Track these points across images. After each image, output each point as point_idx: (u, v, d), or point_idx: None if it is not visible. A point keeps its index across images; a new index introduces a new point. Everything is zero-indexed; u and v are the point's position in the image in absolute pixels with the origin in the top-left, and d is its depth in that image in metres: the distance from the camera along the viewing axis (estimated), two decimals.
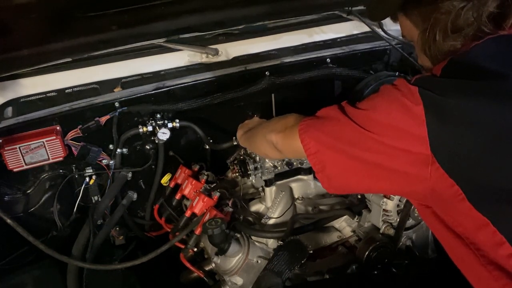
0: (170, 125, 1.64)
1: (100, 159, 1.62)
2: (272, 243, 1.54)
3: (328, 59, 1.84)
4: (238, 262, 1.46)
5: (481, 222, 0.88)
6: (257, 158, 1.58)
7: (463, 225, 0.93)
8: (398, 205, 1.50)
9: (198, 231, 1.49)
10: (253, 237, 1.54)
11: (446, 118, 0.87)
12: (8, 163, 1.46)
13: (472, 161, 0.87)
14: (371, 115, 0.95)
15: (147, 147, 1.71)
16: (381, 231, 1.54)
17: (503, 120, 0.86)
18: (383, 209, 1.49)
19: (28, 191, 1.58)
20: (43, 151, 1.49)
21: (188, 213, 1.58)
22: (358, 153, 0.95)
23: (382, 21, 1.89)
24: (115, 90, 1.66)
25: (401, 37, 1.95)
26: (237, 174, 1.58)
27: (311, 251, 1.44)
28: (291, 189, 1.63)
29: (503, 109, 0.87)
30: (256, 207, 1.66)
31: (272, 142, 1.21)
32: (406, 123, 0.89)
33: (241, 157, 1.62)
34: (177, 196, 1.70)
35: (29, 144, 1.46)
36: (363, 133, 0.94)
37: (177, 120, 1.65)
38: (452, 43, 0.99)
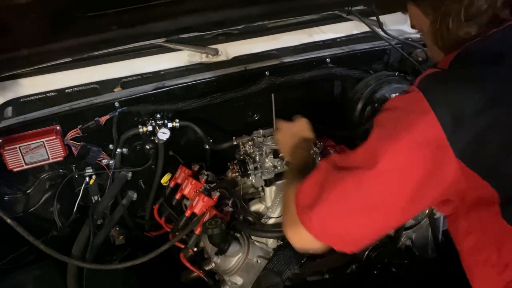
0: (170, 125, 1.64)
1: (100, 159, 1.62)
2: (272, 243, 1.54)
3: (328, 59, 1.85)
4: (238, 262, 1.46)
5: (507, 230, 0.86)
6: (257, 158, 1.58)
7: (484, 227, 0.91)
8: None
9: (198, 231, 1.49)
10: (253, 237, 1.54)
11: (462, 118, 0.84)
12: (8, 163, 1.46)
13: (497, 159, 0.84)
14: (384, 146, 0.87)
15: (147, 147, 1.71)
16: None
17: None
18: None
19: (28, 191, 1.58)
20: (43, 151, 1.49)
21: (188, 213, 1.58)
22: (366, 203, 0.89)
23: (382, 21, 1.89)
24: (115, 90, 1.67)
25: (400, 37, 1.97)
26: (237, 174, 1.58)
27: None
28: None
29: None
30: (256, 206, 1.65)
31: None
32: (424, 134, 0.85)
33: (241, 157, 1.62)
34: (177, 196, 1.70)
35: (29, 144, 1.47)
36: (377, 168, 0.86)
37: (177, 120, 1.65)
38: (466, 30, 0.96)
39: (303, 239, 0.95)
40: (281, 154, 1.51)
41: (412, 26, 1.13)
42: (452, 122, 0.83)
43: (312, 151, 1.39)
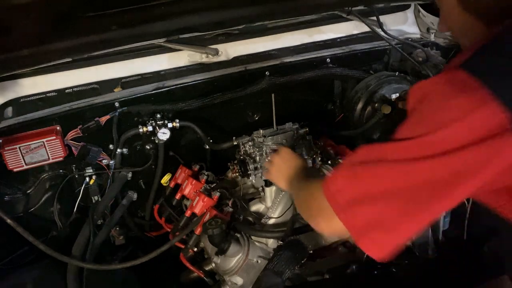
0: (170, 125, 1.64)
1: (100, 159, 1.62)
2: (272, 243, 1.54)
3: (328, 59, 1.85)
4: (238, 262, 1.46)
5: None
6: (257, 158, 1.58)
7: None
8: None
9: (198, 231, 1.49)
10: (253, 237, 1.54)
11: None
12: (8, 163, 1.46)
13: None
14: (431, 136, 0.72)
15: (147, 147, 1.71)
16: None
17: None
18: None
19: (28, 191, 1.58)
20: (43, 151, 1.49)
21: (188, 213, 1.58)
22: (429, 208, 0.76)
23: (382, 21, 1.89)
24: (115, 90, 1.67)
25: (401, 37, 1.97)
26: (237, 174, 1.58)
27: (311, 251, 1.44)
28: None
29: None
30: (256, 207, 1.66)
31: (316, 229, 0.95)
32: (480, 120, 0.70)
33: (241, 157, 1.63)
34: (177, 196, 1.71)
35: (29, 144, 1.47)
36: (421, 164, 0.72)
37: (177, 120, 1.65)
38: None
39: (340, 231, 0.83)
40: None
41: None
42: None
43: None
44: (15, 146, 1.45)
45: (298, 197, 1.13)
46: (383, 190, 0.76)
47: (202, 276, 1.54)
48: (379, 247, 0.80)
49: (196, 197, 1.58)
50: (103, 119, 1.57)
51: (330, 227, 0.87)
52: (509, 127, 0.69)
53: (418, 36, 2.03)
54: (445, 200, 0.75)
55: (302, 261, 1.39)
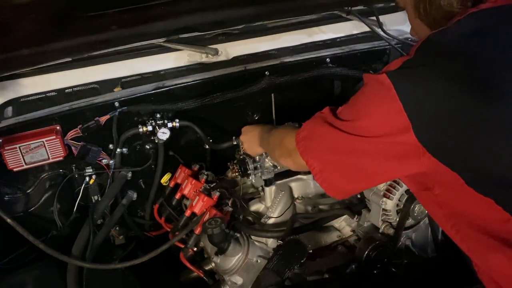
0: (170, 124, 1.64)
1: (100, 158, 1.62)
2: (271, 243, 1.54)
3: (327, 59, 1.84)
4: (238, 262, 1.47)
5: (484, 201, 0.88)
6: (257, 157, 1.58)
7: (465, 205, 0.94)
8: (397, 205, 1.50)
9: (198, 230, 1.49)
10: (252, 237, 1.54)
11: (424, 102, 0.88)
12: (8, 163, 1.46)
13: (460, 146, 0.88)
14: (356, 122, 0.98)
15: (147, 146, 1.71)
16: (380, 231, 1.54)
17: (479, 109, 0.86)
18: (383, 209, 1.49)
19: (28, 191, 1.58)
20: (43, 150, 1.49)
21: (188, 213, 1.58)
22: (356, 160, 1.00)
23: (382, 21, 1.89)
24: (115, 90, 1.66)
25: (400, 37, 1.97)
26: (236, 173, 1.59)
27: (311, 251, 1.45)
28: (290, 189, 1.64)
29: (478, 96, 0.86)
30: (255, 206, 1.66)
31: (286, 166, 1.32)
32: (388, 119, 0.92)
33: (241, 157, 1.63)
34: (177, 196, 1.71)
35: (29, 144, 1.47)
36: (356, 139, 0.97)
37: (177, 120, 1.65)
38: (449, 1, 0.98)
39: (298, 165, 1.20)
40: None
41: (397, 3, 1.14)
42: (418, 114, 0.88)
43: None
44: (15, 146, 1.45)
45: (269, 143, 1.40)
46: (328, 141, 1.06)
47: (202, 275, 1.54)
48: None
49: (195, 196, 1.58)
50: (103, 119, 1.57)
51: (293, 162, 1.21)
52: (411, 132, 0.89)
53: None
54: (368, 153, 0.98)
55: (302, 261, 1.39)
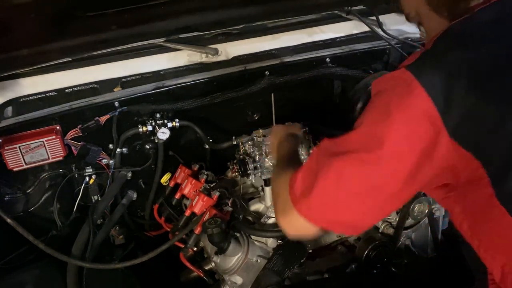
0: (169, 124, 1.64)
1: (100, 158, 1.62)
2: (271, 243, 1.54)
3: (327, 59, 1.85)
4: (238, 261, 1.47)
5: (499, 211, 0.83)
6: (257, 157, 1.58)
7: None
8: None
9: (197, 230, 1.49)
10: (252, 237, 1.54)
11: (453, 97, 0.81)
12: (8, 162, 1.46)
13: (494, 138, 0.82)
14: (372, 131, 0.86)
15: (147, 146, 1.71)
16: (380, 231, 1.54)
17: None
18: None
19: (28, 191, 1.58)
20: (43, 150, 1.49)
21: (187, 213, 1.58)
22: (378, 194, 0.87)
23: (381, 21, 1.90)
24: (115, 89, 1.67)
25: (400, 37, 1.97)
26: (236, 173, 1.59)
27: (310, 250, 1.45)
28: None
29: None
30: (255, 206, 1.66)
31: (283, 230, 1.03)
32: (416, 118, 0.83)
33: (241, 157, 1.63)
34: (177, 196, 1.70)
35: (29, 144, 1.47)
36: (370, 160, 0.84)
37: (177, 120, 1.65)
38: None
39: (298, 227, 0.93)
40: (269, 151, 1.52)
41: (407, 16, 1.08)
42: (444, 101, 0.81)
43: (299, 144, 1.39)
44: (15, 146, 1.45)
45: (272, 191, 1.22)
46: (334, 180, 0.87)
47: (202, 275, 1.54)
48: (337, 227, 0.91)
49: (195, 196, 1.58)
50: (103, 119, 1.57)
51: (290, 222, 0.95)
52: (440, 121, 0.80)
53: (418, 36, 2.02)
54: (394, 179, 0.85)
55: (302, 260, 1.39)
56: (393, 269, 1.51)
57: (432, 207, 1.60)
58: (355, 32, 1.99)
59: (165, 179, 1.76)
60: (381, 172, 0.85)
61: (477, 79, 0.82)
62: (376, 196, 0.87)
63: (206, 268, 1.56)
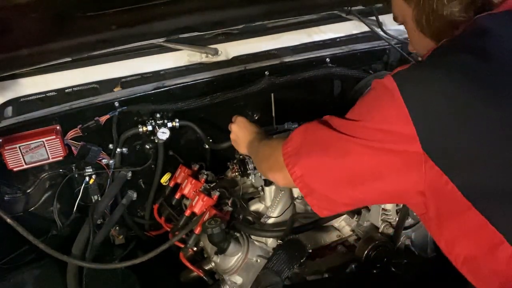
0: (169, 124, 1.64)
1: (100, 158, 1.62)
2: (271, 242, 1.54)
3: (327, 59, 1.85)
4: (238, 261, 1.47)
5: (479, 221, 0.85)
6: None
7: (459, 226, 0.90)
8: (397, 205, 1.50)
9: (197, 230, 1.49)
10: (252, 236, 1.54)
11: (431, 111, 0.84)
12: (8, 162, 1.46)
13: (466, 156, 0.84)
14: (359, 123, 0.92)
15: (147, 146, 1.72)
16: (380, 231, 1.54)
17: (497, 112, 0.83)
18: (382, 209, 1.49)
19: (28, 191, 1.59)
20: (43, 150, 1.49)
21: (187, 213, 1.58)
22: (347, 167, 0.92)
23: (381, 21, 1.90)
24: (115, 89, 1.67)
25: (400, 37, 1.98)
26: (236, 173, 1.59)
27: (310, 250, 1.45)
28: (290, 189, 1.64)
29: (495, 100, 0.83)
30: (255, 206, 1.66)
31: (274, 181, 1.20)
32: (393, 125, 0.86)
33: (241, 157, 1.63)
34: (177, 196, 1.70)
35: (29, 144, 1.47)
36: (352, 140, 0.90)
37: (177, 120, 1.65)
38: (451, 9, 0.95)
39: (287, 180, 1.02)
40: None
41: (395, 18, 1.12)
42: (422, 116, 0.84)
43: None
44: (15, 146, 1.45)
45: (258, 154, 1.30)
46: (321, 145, 0.97)
47: (202, 275, 1.54)
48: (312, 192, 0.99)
49: (195, 196, 1.58)
50: (103, 119, 1.57)
51: (283, 177, 1.06)
52: (415, 135, 0.84)
53: None
54: (368, 171, 0.91)
55: (302, 260, 1.39)
56: (393, 269, 1.51)
57: None
58: (355, 32, 2.00)
59: (165, 179, 1.76)
60: (360, 160, 0.91)
61: (459, 95, 0.84)
62: (354, 180, 0.93)
63: (206, 268, 1.56)
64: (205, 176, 1.69)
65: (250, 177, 1.60)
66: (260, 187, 1.66)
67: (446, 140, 0.84)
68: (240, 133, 1.46)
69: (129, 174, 1.69)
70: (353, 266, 1.50)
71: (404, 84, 0.87)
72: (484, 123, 0.83)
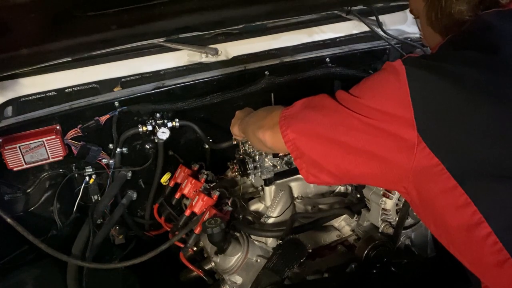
0: (169, 124, 1.64)
1: (100, 158, 1.62)
2: (271, 242, 1.54)
3: (327, 59, 1.85)
4: (238, 261, 1.47)
5: (462, 201, 0.86)
6: (257, 157, 1.58)
7: (442, 205, 0.91)
8: (397, 204, 1.50)
9: (197, 230, 1.49)
10: (252, 236, 1.54)
11: (432, 96, 0.86)
12: (8, 162, 1.47)
13: (461, 144, 0.85)
14: (360, 100, 0.95)
15: (147, 146, 1.72)
16: (380, 230, 1.54)
17: (497, 97, 0.85)
18: (382, 208, 1.50)
19: (28, 190, 1.59)
20: (43, 150, 1.49)
21: (187, 212, 1.58)
22: (340, 136, 0.94)
23: (381, 21, 1.90)
24: (114, 89, 1.67)
25: (400, 37, 1.98)
26: (236, 173, 1.59)
27: (310, 250, 1.45)
28: (290, 188, 1.64)
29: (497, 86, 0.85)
30: (255, 206, 1.66)
31: (261, 140, 1.18)
32: (393, 107, 0.89)
33: (241, 156, 1.63)
34: (177, 195, 1.71)
35: (29, 144, 1.47)
36: (350, 114, 0.93)
37: (177, 120, 1.65)
38: (459, 8, 0.98)
39: (275, 140, 1.08)
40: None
41: (411, 11, 1.16)
42: (423, 100, 0.86)
43: None
44: (15, 146, 1.45)
45: (251, 118, 1.32)
46: (319, 113, 0.99)
47: (202, 275, 1.54)
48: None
49: (195, 196, 1.58)
50: (103, 119, 1.57)
51: (271, 135, 1.11)
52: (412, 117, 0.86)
53: (418, 35, 2.03)
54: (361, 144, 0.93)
55: (301, 260, 1.39)
56: (393, 269, 1.51)
57: None
58: (355, 32, 2.00)
59: (165, 179, 1.76)
60: (350, 130, 0.93)
61: (462, 88, 0.86)
62: (348, 152, 0.95)
63: (206, 268, 1.56)
64: (205, 176, 1.69)
65: (250, 177, 1.60)
66: (260, 187, 1.66)
67: (443, 127, 0.86)
68: (241, 113, 1.51)
69: (129, 174, 1.69)
70: (353, 266, 1.50)
71: (411, 67, 0.89)
72: (484, 117, 0.85)
